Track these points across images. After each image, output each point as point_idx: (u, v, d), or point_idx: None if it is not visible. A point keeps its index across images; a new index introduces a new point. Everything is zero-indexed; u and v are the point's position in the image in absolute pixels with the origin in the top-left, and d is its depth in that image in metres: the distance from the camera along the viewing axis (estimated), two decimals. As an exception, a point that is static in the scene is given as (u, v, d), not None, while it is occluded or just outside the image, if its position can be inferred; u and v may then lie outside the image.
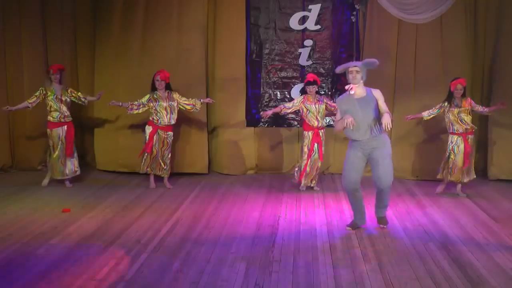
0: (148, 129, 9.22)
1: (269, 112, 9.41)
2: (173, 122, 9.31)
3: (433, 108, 9.00)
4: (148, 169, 9.29)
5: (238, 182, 10.07)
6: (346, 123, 6.63)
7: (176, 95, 9.28)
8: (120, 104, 9.17)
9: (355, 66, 6.80)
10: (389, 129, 6.56)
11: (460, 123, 8.84)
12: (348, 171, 6.94)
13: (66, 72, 9.64)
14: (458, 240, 6.80)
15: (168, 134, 9.30)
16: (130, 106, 9.16)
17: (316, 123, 9.16)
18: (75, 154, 9.37)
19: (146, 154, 9.17)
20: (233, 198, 8.83)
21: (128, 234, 6.85)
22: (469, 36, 10.27)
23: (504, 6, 10.08)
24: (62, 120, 9.20)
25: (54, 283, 5.31)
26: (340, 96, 7.12)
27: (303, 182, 9.26)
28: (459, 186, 9.07)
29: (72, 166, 9.32)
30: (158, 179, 9.48)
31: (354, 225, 7.10)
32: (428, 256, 6.21)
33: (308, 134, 9.21)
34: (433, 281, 5.48)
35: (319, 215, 7.85)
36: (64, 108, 9.19)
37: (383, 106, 6.76)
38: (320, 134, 9.23)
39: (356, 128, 6.72)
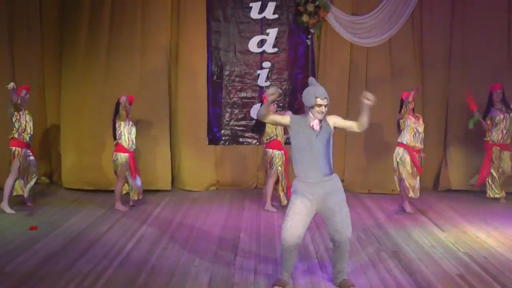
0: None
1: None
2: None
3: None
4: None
5: (201, 198, 10.02)
6: (270, 93, 5.43)
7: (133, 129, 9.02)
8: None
9: (326, 98, 5.51)
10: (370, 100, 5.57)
11: (413, 137, 8.73)
12: (294, 222, 5.41)
13: (32, 92, 9.37)
14: (408, 248, 6.89)
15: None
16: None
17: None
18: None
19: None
20: (196, 213, 8.79)
21: (94, 250, 6.75)
22: (417, 56, 10.48)
23: (451, 28, 10.34)
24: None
25: (22, 300, 5.23)
26: (297, 116, 5.89)
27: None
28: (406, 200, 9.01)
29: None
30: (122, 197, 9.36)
31: (284, 283, 5.54)
32: (381, 264, 6.29)
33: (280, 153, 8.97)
34: (386, 288, 5.57)
35: (278, 229, 7.85)
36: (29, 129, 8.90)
37: (347, 122, 5.73)
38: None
39: (309, 166, 5.48)
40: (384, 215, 8.73)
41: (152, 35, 10.34)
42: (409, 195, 8.79)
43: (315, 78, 10.31)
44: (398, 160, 8.79)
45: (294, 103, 10.60)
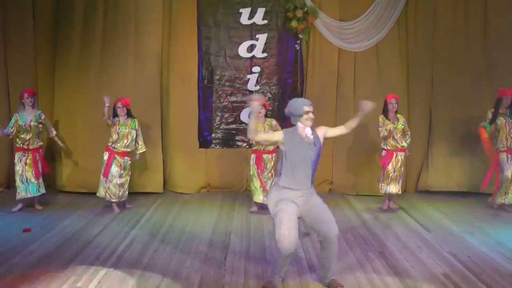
0: (106, 155, 9.00)
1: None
2: (129, 149, 9.07)
3: (379, 128, 8.96)
4: (107, 194, 9.00)
5: (192, 200, 10.04)
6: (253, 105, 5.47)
7: (137, 126, 9.08)
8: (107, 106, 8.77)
9: (311, 105, 5.56)
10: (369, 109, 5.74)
11: (393, 139, 8.93)
12: (289, 229, 5.30)
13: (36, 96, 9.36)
14: (395, 249, 6.94)
15: (125, 159, 9.05)
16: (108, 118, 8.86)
17: (262, 147, 9.02)
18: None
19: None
20: (187, 215, 8.81)
21: (87, 252, 6.76)
22: (402, 61, 10.55)
23: (435, 32, 10.44)
24: (25, 146, 8.95)
25: (16, 301, 5.24)
26: (288, 130, 5.68)
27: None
28: (392, 201, 9.23)
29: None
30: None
31: (274, 286, 5.55)
32: (368, 264, 6.34)
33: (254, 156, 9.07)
34: (373, 287, 5.61)
35: (268, 230, 7.90)
36: (29, 136, 8.90)
37: (337, 130, 5.78)
38: (264, 156, 9.06)
39: (301, 179, 5.47)
40: (371, 216, 8.77)
41: (144, 41, 10.36)
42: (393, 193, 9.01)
43: (303, 82, 10.48)
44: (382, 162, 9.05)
45: (283, 107, 10.60)
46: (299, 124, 5.53)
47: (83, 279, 5.79)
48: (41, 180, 9.05)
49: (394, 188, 8.99)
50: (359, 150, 10.39)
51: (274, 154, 8.96)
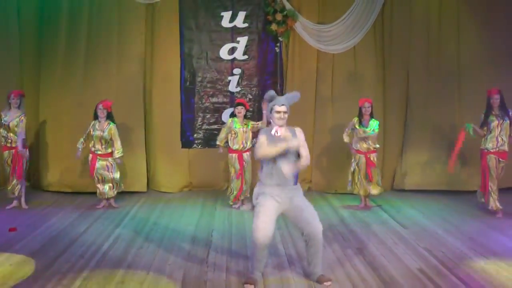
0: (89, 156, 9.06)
1: (221, 150, 9.38)
2: (108, 151, 9.02)
3: (346, 129, 9.14)
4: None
5: (175, 199, 10.03)
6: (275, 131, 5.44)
7: (111, 127, 8.94)
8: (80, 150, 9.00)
9: (283, 105, 5.48)
10: (287, 176, 5.44)
11: (364, 142, 9.01)
12: (264, 223, 5.37)
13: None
14: (372, 245, 6.99)
15: (108, 160, 9.04)
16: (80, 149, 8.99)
17: (241, 146, 9.15)
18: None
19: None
20: (170, 214, 8.81)
21: (72, 250, 6.73)
22: (379, 63, 10.65)
23: (410, 35, 10.53)
24: (9, 144, 8.94)
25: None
26: (266, 129, 5.68)
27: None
28: (367, 198, 9.28)
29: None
30: (99, 199, 9.32)
31: (255, 281, 5.56)
32: (346, 260, 6.38)
33: (233, 156, 9.18)
34: (351, 283, 5.65)
35: (248, 228, 7.91)
36: (10, 134, 8.89)
37: (303, 148, 5.44)
38: (245, 156, 9.19)
39: (276, 171, 5.46)
40: (349, 213, 8.83)
41: (128, 44, 10.34)
42: (372, 193, 9.13)
43: (283, 84, 10.52)
44: (354, 164, 9.15)
45: (262, 107, 10.66)
46: (272, 122, 5.55)
47: (68, 277, 5.77)
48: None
49: (372, 189, 9.10)
50: (337, 151, 10.43)
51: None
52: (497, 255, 6.56)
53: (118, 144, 8.98)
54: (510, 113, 8.61)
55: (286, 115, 5.49)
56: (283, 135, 5.44)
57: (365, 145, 9.00)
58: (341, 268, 6.11)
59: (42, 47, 10.42)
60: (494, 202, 8.56)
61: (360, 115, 9.02)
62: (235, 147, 9.10)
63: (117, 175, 9.08)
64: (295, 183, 5.59)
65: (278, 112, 5.46)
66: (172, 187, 10.64)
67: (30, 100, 10.24)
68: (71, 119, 10.08)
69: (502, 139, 8.55)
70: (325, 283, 5.56)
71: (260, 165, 5.63)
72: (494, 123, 8.56)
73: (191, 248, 6.88)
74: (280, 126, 5.50)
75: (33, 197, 9.62)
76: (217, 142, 9.34)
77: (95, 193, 9.19)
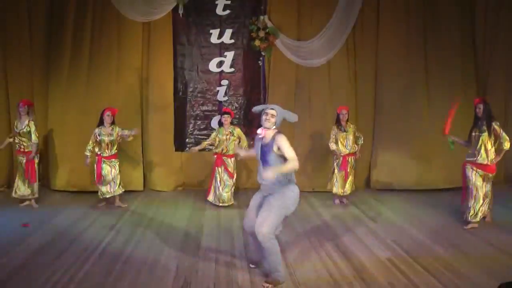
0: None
1: (196, 149, 9.36)
2: (113, 153, 8.96)
3: (331, 138, 9.13)
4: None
5: (169, 197, 10.03)
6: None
7: (116, 130, 8.88)
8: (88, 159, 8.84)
9: (272, 109, 5.41)
10: (266, 178, 5.18)
11: (344, 146, 9.09)
12: (246, 215, 5.60)
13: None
14: (345, 237, 7.05)
15: (112, 161, 8.95)
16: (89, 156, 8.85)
17: (221, 151, 9.15)
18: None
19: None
20: (164, 211, 8.80)
21: (77, 244, 6.74)
22: (351, 75, 10.70)
23: (377, 51, 10.63)
24: (22, 149, 8.83)
25: None
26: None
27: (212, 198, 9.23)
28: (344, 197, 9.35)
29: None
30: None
31: (258, 263, 5.75)
32: (323, 251, 6.44)
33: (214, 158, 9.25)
34: (327, 271, 5.71)
35: (236, 222, 7.96)
36: (23, 139, 8.76)
37: (286, 153, 5.29)
38: (224, 159, 9.17)
39: (259, 169, 5.49)
40: (325, 209, 8.88)
41: (126, 57, 10.32)
42: (347, 192, 9.19)
43: (266, 94, 10.56)
44: (334, 164, 9.22)
45: (248, 115, 10.71)
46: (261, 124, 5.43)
47: (73, 267, 5.78)
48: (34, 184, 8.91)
49: (347, 188, 9.19)
50: (315, 153, 10.50)
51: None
52: (457, 246, 6.65)
53: (126, 131, 8.89)
54: (493, 126, 7.39)
55: (272, 119, 5.35)
56: (265, 138, 5.39)
57: (344, 149, 9.06)
58: (318, 257, 6.18)
59: (50, 60, 10.36)
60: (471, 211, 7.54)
61: (338, 121, 9.08)
62: (216, 150, 9.20)
63: (118, 175, 9.02)
64: (278, 183, 5.34)
65: (266, 113, 5.38)
66: (166, 186, 10.63)
67: (40, 108, 10.21)
68: (76, 125, 10.04)
69: (479, 152, 7.41)
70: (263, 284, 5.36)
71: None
72: (473, 134, 7.57)
73: (183, 241, 6.90)
74: (266, 128, 5.38)
75: (43, 196, 9.55)
76: (205, 142, 9.35)
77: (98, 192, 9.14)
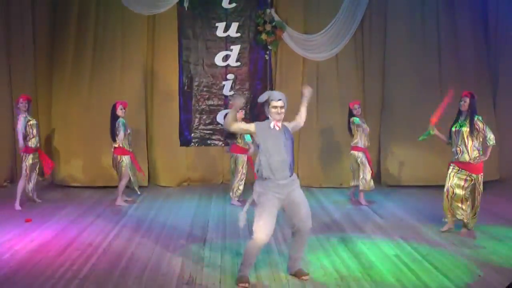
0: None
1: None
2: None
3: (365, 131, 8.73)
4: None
5: (174, 193, 10.02)
6: (235, 104, 5.15)
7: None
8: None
9: (280, 100, 5.11)
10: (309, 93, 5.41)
11: (366, 140, 8.75)
12: (266, 223, 4.99)
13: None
14: (353, 234, 7.01)
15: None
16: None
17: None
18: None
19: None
20: (169, 206, 8.80)
21: (81, 239, 6.72)
22: (359, 68, 10.69)
23: (385, 45, 10.58)
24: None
25: (18, 284, 5.18)
26: (261, 122, 5.26)
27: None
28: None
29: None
30: (106, 192, 9.26)
31: (247, 279, 5.20)
32: (330, 247, 6.40)
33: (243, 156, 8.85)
34: (335, 268, 5.67)
35: (241, 218, 7.89)
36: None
37: (292, 122, 5.37)
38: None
39: (278, 168, 5.03)
40: (333, 205, 8.84)
41: (131, 51, 10.32)
42: (365, 188, 8.74)
43: (272, 88, 10.52)
44: (358, 161, 8.70)
45: (254, 109, 10.68)
46: (269, 117, 5.18)
47: (78, 262, 5.76)
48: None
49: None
50: (322, 148, 10.47)
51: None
52: (466, 243, 6.60)
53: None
54: (475, 120, 6.64)
55: (283, 110, 5.13)
56: (278, 128, 5.15)
57: (366, 143, 8.75)
58: (326, 254, 6.13)
59: (53, 57, 10.41)
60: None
61: (351, 116, 8.75)
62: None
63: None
64: (292, 173, 5.19)
65: (275, 107, 5.10)
66: (171, 181, 10.62)
67: (44, 105, 10.23)
68: (79, 120, 10.06)
69: (461, 149, 6.72)
70: (302, 277, 5.31)
71: (262, 164, 5.08)
72: (453, 130, 6.88)
73: (188, 236, 6.89)
74: (278, 120, 5.14)
75: (45, 190, 9.54)
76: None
77: (102, 187, 9.14)
